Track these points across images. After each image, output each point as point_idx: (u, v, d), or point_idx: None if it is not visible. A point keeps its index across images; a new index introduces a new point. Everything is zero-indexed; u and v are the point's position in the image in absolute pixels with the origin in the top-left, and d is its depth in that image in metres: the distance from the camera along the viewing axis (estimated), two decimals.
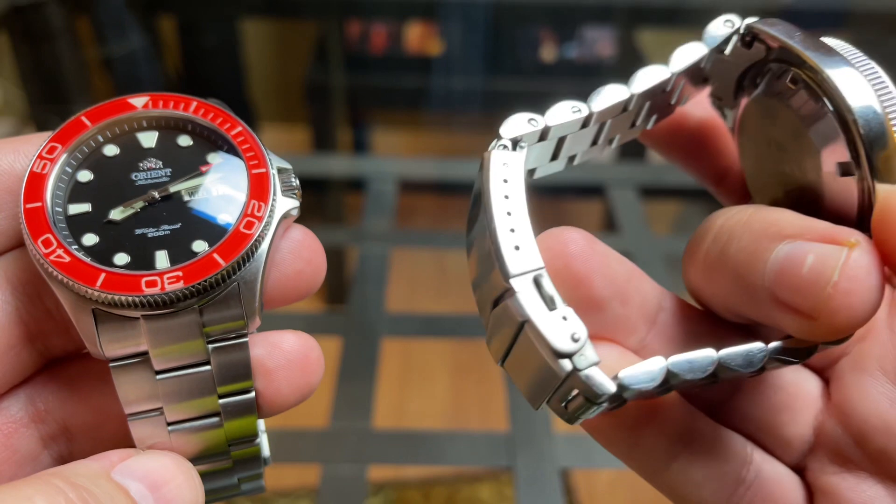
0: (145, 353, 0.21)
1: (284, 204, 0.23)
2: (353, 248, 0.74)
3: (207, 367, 0.21)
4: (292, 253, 0.23)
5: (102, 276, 0.20)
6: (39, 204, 0.21)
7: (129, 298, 0.20)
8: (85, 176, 0.23)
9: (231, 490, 0.24)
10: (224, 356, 0.21)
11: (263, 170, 0.23)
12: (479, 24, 1.35)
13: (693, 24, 1.12)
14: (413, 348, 1.33)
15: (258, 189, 0.22)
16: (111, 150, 0.23)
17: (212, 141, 0.24)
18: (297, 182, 0.23)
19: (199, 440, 0.22)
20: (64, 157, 0.22)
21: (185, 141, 0.24)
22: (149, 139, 0.24)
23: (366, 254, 0.72)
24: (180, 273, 0.20)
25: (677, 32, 1.79)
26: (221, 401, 0.22)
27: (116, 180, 0.23)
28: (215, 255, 0.21)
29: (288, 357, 0.22)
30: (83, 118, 0.23)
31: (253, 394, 0.22)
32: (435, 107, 1.46)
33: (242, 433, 0.23)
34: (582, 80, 1.53)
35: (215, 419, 0.22)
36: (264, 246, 0.22)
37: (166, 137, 0.24)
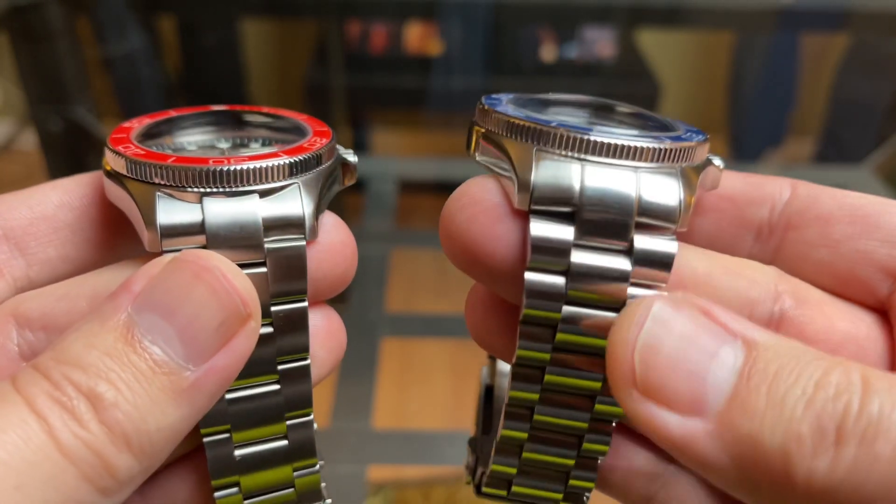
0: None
1: (344, 153, 0.24)
2: None
3: (263, 269, 0.21)
4: (334, 228, 0.23)
5: (173, 157, 0.21)
6: (124, 135, 0.22)
7: (195, 169, 0.20)
8: (165, 148, 0.24)
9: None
10: (280, 255, 0.21)
11: (326, 129, 0.24)
12: (479, 24, 1.35)
13: (693, 24, 1.13)
14: (413, 348, 1.33)
15: (320, 133, 0.24)
16: (190, 147, 0.25)
17: (284, 130, 0.25)
18: (356, 159, 0.24)
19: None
20: (149, 123, 0.24)
21: (255, 145, 0.26)
22: (224, 144, 0.26)
23: (366, 254, 0.72)
24: (247, 157, 0.21)
25: (677, 32, 1.79)
26: (273, 308, 0.21)
27: (195, 153, 0.24)
28: (280, 152, 0.22)
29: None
30: (171, 112, 0.25)
31: (308, 359, 0.22)
32: (435, 107, 1.46)
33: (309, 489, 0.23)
34: (582, 80, 1.53)
35: (275, 386, 0.22)
36: (325, 167, 0.22)
37: (240, 144, 0.26)
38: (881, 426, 0.16)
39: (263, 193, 0.21)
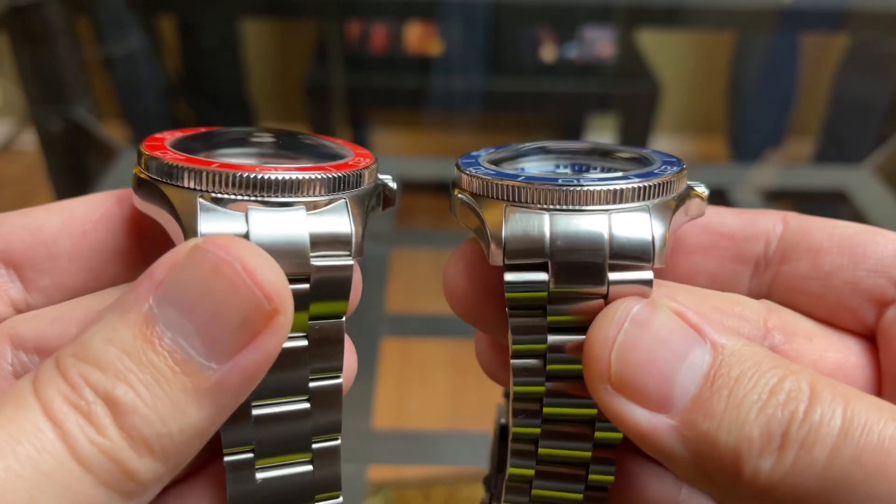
0: None
1: (384, 177, 0.24)
2: None
3: (306, 285, 0.20)
4: None
5: (217, 163, 0.20)
6: (160, 143, 0.22)
7: (241, 175, 0.19)
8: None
9: None
10: (326, 273, 0.20)
11: (366, 152, 0.24)
12: (479, 24, 1.35)
13: (693, 24, 1.13)
14: (413, 348, 1.33)
15: (362, 154, 0.23)
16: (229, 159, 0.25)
17: (321, 154, 0.24)
18: (394, 184, 0.24)
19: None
20: (182, 137, 0.23)
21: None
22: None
23: (366, 254, 0.72)
24: (294, 168, 0.20)
25: (677, 32, 1.79)
26: (311, 321, 0.21)
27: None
28: (328, 166, 0.21)
29: None
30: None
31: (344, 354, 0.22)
32: (435, 107, 1.46)
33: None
34: (582, 80, 1.53)
35: (305, 405, 0.21)
36: (369, 186, 0.22)
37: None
38: (819, 433, 0.17)
39: (310, 206, 0.20)
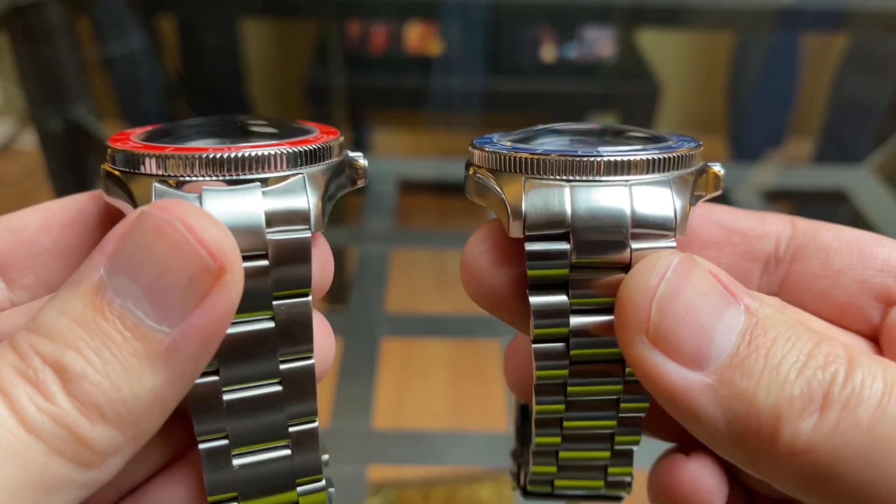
0: None
1: (353, 155, 0.23)
2: (353, 248, 0.74)
3: (265, 262, 0.20)
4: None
5: (171, 147, 0.20)
6: (125, 136, 0.22)
7: (193, 156, 0.19)
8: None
9: None
10: (282, 245, 0.20)
11: (332, 130, 0.23)
12: (479, 24, 1.35)
13: (693, 24, 1.13)
14: (413, 348, 1.33)
15: (328, 132, 0.23)
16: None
17: (290, 132, 0.24)
18: (366, 163, 0.24)
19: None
20: (153, 129, 0.23)
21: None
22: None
23: (366, 254, 0.72)
24: (249, 145, 0.20)
25: (677, 32, 1.79)
26: (276, 302, 0.20)
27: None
28: (285, 143, 0.21)
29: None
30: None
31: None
32: (435, 107, 1.46)
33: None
34: (582, 80, 1.53)
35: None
36: (331, 161, 0.22)
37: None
38: (862, 395, 0.17)
39: (266, 184, 0.20)
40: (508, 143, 0.22)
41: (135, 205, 0.20)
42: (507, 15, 1.24)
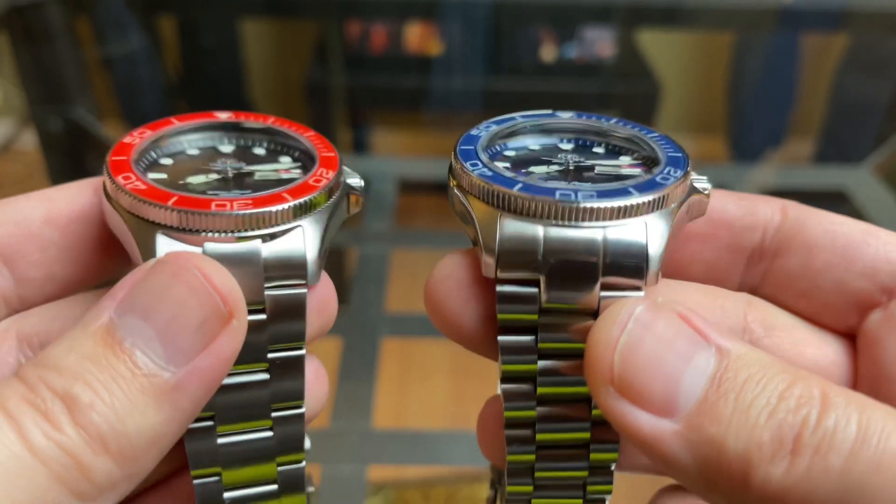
0: None
1: (350, 177, 0.24)
2: (353, 248, 0.74)
3: (262, 316, 0.21)
4: (322, 282, 0.23)
5: (175, 197, 0.20)
6: (125, 158, 0.22)
7: (198, 214, 0.20)
8: (166, 161, 0.24)
9: None
10: (279, 301, 0.21)
11: (332, 154, 0.24)
12: (479, 24, 1.35)
13: (693, 24, 1.13)
14: (413, 348, 1.33)
15: (327, 163, 0.23)
16: (192, 151, 0.25)
17: (285, 142, 0.25)
18: (362, 183, 0.24)
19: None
20: (151, 139, 0.24)
21: (259, 150, 0.25)
22: (227, 147, 0.25)
23: (366, 254, 0.72)
24: (251, 200, 0.21)
25: (677, 32, 1.79)
26: (271, 355, 0.21)
27: (193, 166, 0.24)
28: (284, 194, 0.21)
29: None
30: (173, 119, 0.25)
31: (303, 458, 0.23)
32: (435, 107, 1.46)
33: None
34: (582, 80, 1.53)
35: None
36: (330, 202, 0.22)
37: (244, 143, 0.25)
38: (835, 440, 0.17)
39: (266, 237, 0.21)
40: (488, 168, 0.22)
41: (137, 246, 0.21)
42: (507, 15, 1.24)
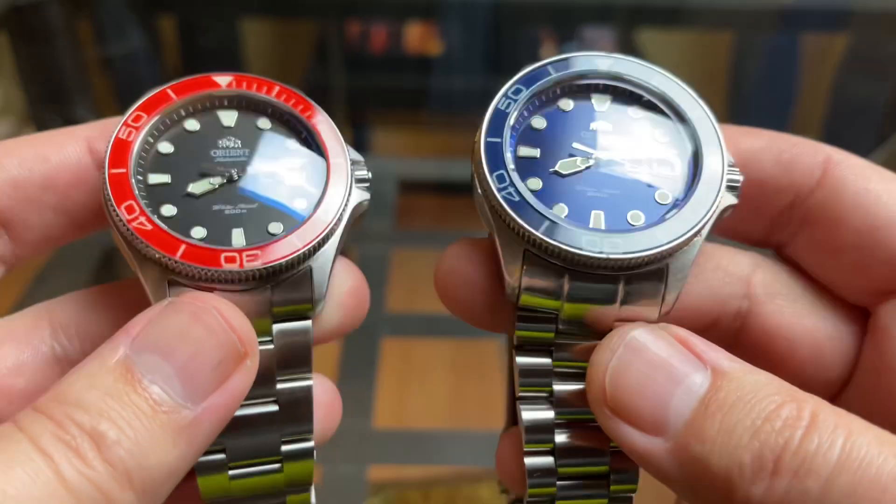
0: None
1: (357, 196, 0.23)
2: (353, 248, 0.74)
3: (270, 346, 0.22)
4: (346, 279, 0.24)
5: (183, 247, 0.21)
6: (123, 170, 0.22)
7: (208, 272, 0.21)
8: (166, 147, 0.23)
9: None
10: (287, 338, 0.22)
11: (341, 160, 0.24)
12: (479, 24, 1.35)
13: (693, 24, 1.13)
14: (413, 348, 1.33)
15: (335, 180, 0.23)
16: (192, 124, 0.24)
17: (291, 127, 0.25)
18: (369, 174, 0.24)
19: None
20: (148, 127, 0.23)
21: (264, 123, 0.25)
22: (229, 118, 0.24)
23: (366, 254, 0.72)
24: (258, 252, 0.21)
25: (677, 32, 1.79)
26: (279, 386, 0.22)
27: (196, 154, 0.23)
28: (293, 238, 0.22)
29: None
30: (168, 91, 0.24)
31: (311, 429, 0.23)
32: (435, 107, 1.46)
33: (300, 478, 0.24)
34: None
35: (276, 465, 0.23)
36: (337, 234, 0.23)
37: (246, 118, 0.25)
38: (814, 464, 0.17)
39: (275, 284, 0.21)
40: (517, 192, 0.22)
41: (150, 293, 0.21)
42: (507, 15, 1.23)
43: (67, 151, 0.24)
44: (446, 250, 0.24)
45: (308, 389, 0.22)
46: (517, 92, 0.24)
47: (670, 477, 0.19)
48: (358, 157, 0.24)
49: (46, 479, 0.17)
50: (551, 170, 0.22)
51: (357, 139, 1.72)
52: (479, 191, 0.22)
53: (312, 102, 0.24)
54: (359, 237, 0.74)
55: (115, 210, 0.21)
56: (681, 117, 0.23)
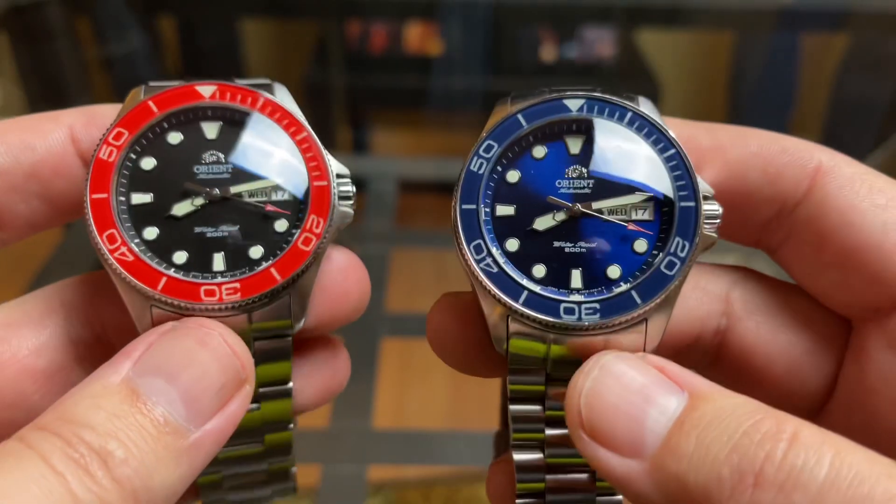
0: None
1: (341, 215, 0.23)
2: (353, 248, 0.74)
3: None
4: (340, 274, 0.24)
5: (164, 280, 0.21)
6: (105, 195, 0.22)
7: (188, 305, 0.21)
8: (148, 163, 0.23)
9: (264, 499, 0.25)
10: (267, 345, 0.23)
11: (325, 183, 0.23)
12: (479, 24, 1.35)
13: (693, 24, 1.12)
14: (413, 348, 1.33)
15: (318, 203, 0.23)
16: (175, 137, 0.24)
17: (274, 142, 0.24)
18: (353, 189, 0.24)
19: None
20: (129, 144, 0.23)
21: (247, 137, 0.24)
22: (212, 130, 0.24)
23: (366, 254, 0.72)
24: (238, 285, 0.22)
25: (677, 32, 1.79)
26: (262, 389, 0.23)
27: (179, 171, 0.23)
28: (273, 271, 0.22)
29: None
30: (150, 103, 0.24)
31: (290, 384, 0.24)
32: (435, 107, 1.46)
33: (278, 416, 0.24)
34: (582, 80, 1.53)
35: (254, 405, 0.23)
36: (319, 258, 0.23)
37: (229, 130, 0.24)
38: (801, 478, 0.17)
39: (255, 312, 0.22)
40: (493, 264, 0.22)
41: (135, 320, 0.22)
42: (507, 15, 1.23)
43: (52, 140, 0.24)
44: (432, 308, 0.24)
45: (288, 342, 0.23)
46: (489, 149, 0.24)
47: (650, 499, 0.19)
48: (343, 170, 0.24)
49: (60, 496, 0.17)
50: (528, 228, 0.22)
51: (357, 139, 1.72)
52: (459, 257, 0.23)
53: (298, 117, 0.24)
54: (359, 237, 0.74)
55: (97, 240, 0.22)
56: (652, 157, 0.23)
